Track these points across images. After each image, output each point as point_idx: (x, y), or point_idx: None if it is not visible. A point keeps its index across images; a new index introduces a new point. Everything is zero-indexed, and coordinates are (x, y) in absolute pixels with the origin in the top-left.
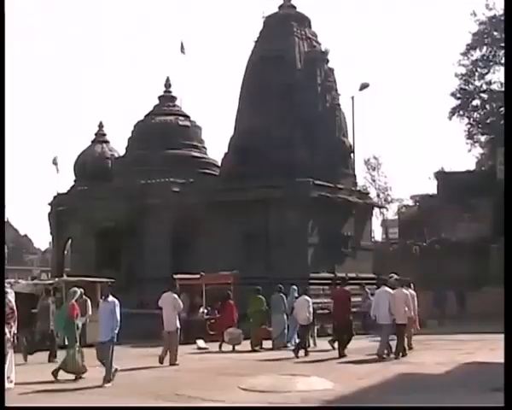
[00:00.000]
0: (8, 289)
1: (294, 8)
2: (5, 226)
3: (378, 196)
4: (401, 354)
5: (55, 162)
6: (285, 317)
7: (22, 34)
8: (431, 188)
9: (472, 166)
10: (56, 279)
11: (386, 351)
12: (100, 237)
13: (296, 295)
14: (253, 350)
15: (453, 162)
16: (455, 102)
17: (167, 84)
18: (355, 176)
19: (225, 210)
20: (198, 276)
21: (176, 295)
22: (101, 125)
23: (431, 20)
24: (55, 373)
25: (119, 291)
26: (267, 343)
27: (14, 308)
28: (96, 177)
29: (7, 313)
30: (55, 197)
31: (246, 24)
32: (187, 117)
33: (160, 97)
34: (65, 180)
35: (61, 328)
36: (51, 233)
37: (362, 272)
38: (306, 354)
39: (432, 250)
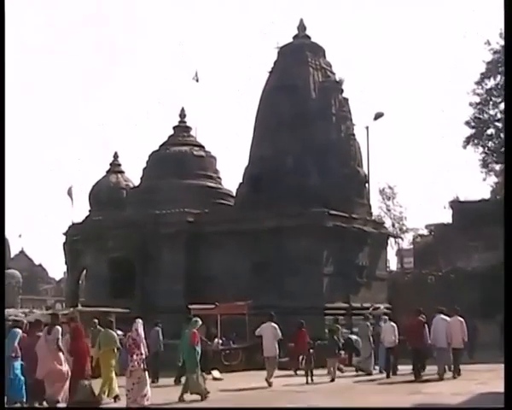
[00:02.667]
0: (138, 320)
1: (309, 38)
2: (20, 256)
3: (393, 225)
4: (457, 374)
5: (69, 193)
6: (371, 343)
7: (37, 65)
8: (446, 217)
9: (487, 195)
10: (71, 309)
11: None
12: (114, 267)
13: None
14: (328, 373)
15: (468, 191)
16: (469, 131)
17: (182, 115)
18: (370, 206)
19: (240, 239)
20: (213, 306)
21: (276, 325)
22: (116, 156)
23: (446, 50)
24: (181, 398)
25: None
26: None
27: (137, 338)
28: (111, 206)
29: (129, 343)
30: (69, 227)
31: (260, 54)
32: (202, 147)
33: (174, 128)
34: (80, 210)
35: (185, 353)
36: (66, 263)
37: (377, 302)
38: (392, 373)
39: (447, 280)
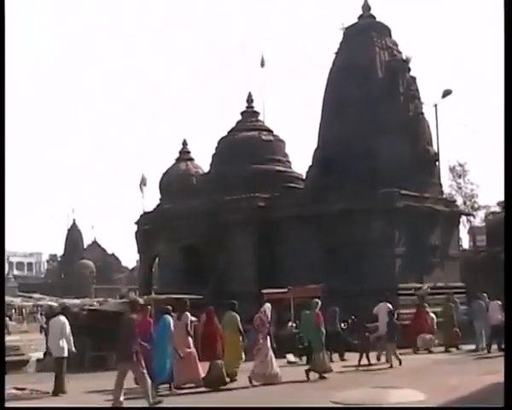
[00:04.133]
0: (267, 303)
1: (374, 17)
2: (93, 246)
3: (464, 203)
4: None
5: (143, 183)
6: (484, 323)
7: (108, 60)
8: None
9: None
10: (145, 297)
11: None
12: (186, 254)
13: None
14: (447, 351)
15: None
16: None
17: (249, 100)
18: (441, 184)
19: (310, 223)
20: (285, 290)
21: (390, 305)
22: (185, 143)
23: None
24: (307, 373)
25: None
26: None
27: (264, 318)
28: (181, 194)
29: (257, 323)
30: (141, 216)
31: (326, 35)
32: (270, 132)
33: (242, 113)
34: (151, 199)
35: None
36: (138, 251)
37: (450, 282)
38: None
39: None
